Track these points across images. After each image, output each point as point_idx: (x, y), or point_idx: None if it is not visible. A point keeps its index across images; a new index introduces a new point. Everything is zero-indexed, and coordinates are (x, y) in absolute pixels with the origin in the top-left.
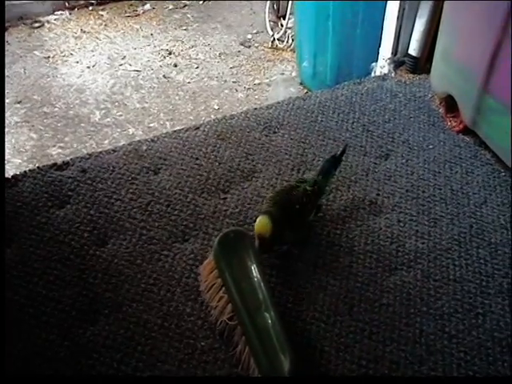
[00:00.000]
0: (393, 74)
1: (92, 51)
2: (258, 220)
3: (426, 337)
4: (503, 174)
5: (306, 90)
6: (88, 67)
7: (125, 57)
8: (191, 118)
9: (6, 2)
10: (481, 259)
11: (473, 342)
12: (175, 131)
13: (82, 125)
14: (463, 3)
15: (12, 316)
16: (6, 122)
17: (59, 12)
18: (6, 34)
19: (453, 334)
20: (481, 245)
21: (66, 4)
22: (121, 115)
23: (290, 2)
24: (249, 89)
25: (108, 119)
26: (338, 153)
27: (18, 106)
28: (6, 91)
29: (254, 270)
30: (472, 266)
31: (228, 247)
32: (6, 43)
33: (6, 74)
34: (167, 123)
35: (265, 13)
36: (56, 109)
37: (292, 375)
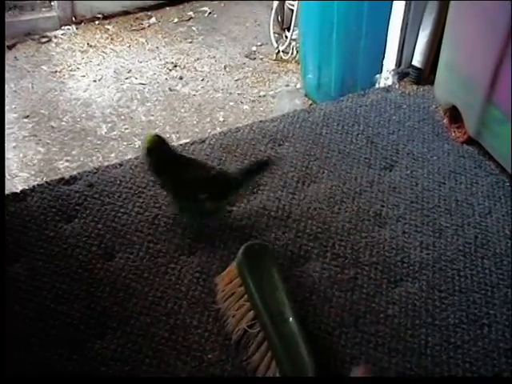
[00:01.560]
0: (397, 86)
1: (98, 65)
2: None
3: (432, 348)
4: (507, 184)
5: (310, 102)
6: (94, 81)
7: (131, 70)
8: (197, 130)
9: (14, 19)
10: (486, 270)
11: (478, 353)
12: (181, 144)
13: (89, 138)
14: (466, 15)
15: (21, 330)
16: (14, 136)
17: (66, 27)
18: (14, 49)
19: (458, 345)
20: (485, 255)
21: (73, 19)
22: (127, 128)
23: (295, 13)
24: (254, 101)
25: (114, 132)
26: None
27: (26, 120)
28: (13, 106)
29: (277, 281)
30: (477, 277)
31: (252, 258)
32: (14, 59)
33: (14, 88)
34: (173, 136)
35: (269, 25)
36: (63, 123)
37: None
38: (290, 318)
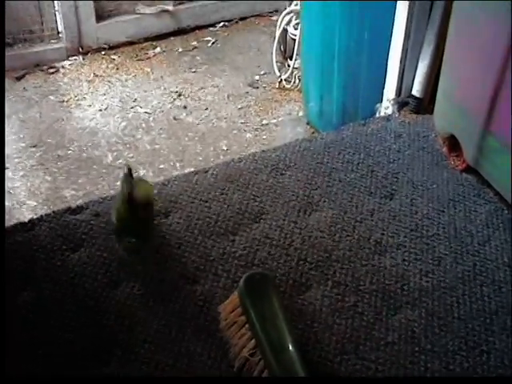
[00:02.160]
0: (397, 115)
1: (104, 94)
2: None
3: (431, 375)
4: (506, 212)
5: (312, 130)
6: (100, 110)
7: (136, 99)
8: (200, 158)
9: (24, 51)
10: (485, 297)
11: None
12: (185, 174)
13: (95, 167)
14: (462, 46)
15: (28, 358)
16: (22, 165)
17: (73, 57)
18: (23, 80)
19: (457, 372)
20: (484, 283)
21: (80, 49)
22: (132, 157)
23: (297, 43)
24: (257, 129)
25: (120, 161)
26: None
27: (34, 149)
28: (21, 135)
29: (278, 310)
30: (476, 304)
31: (253, 287)
32: (23, 89)
33: (22, 118)
34: (177, 164)
35: (272, 54)
36: (69, 151)
37: None
38: (290, 346)
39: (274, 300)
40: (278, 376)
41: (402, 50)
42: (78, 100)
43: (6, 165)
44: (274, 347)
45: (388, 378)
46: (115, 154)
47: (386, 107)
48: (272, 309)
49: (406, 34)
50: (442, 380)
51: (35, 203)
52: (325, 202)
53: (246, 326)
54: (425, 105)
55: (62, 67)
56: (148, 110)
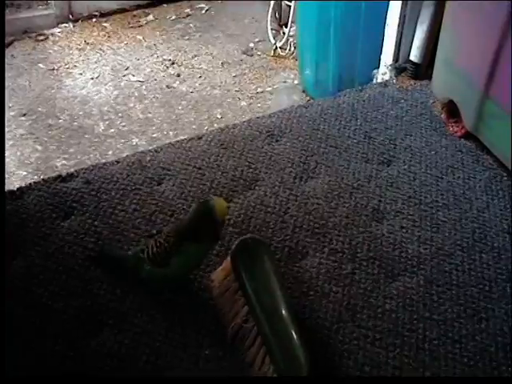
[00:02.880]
0: (394, 81)
1: (95, 63)
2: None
3: (430, 342)
4: (505, 178)
5: (308, 98)
6: (92, 78)
7: (128, 68)
8: (194, 127)
9: (11, 17)
10: (484, 264)
11: (476, 347)
12: (178, 141)
13: (86, 136)
14: (463, 9)
15: (17, 327)
16: (12, 134)
17: (63, 25)
18: (11, 47)
19: (456, 340)
20: (484, 250)
21: (70, 16)
22: (124, 126)
23: (292, 9)
24: (251, 97)
25: (112, 130)
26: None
27: (23, 118)
28: (10, 104)
29: (272, 275)
30: (475, 271)
31: (246, 252)
32: (11, 57)
33: (12, 87)
34: (170, 133)
35: (267, 21)
36: (60, 120)
37: (309, 375)
38: (284, 313)
39: (267, 264)
40: (272, 344)
41: (400, 14)
42: (68, 68)
43: None
44: (267, 312)
45: (388, 378)
46: (107, 122)
47: (384, 73)
48: (265, 273)
49: None
50: (442, 380)
51: (25, 173)
52: (321, 168)
53: (239, 292)
54: (423, 70)
55: (52, 35)
56: (140, 79)
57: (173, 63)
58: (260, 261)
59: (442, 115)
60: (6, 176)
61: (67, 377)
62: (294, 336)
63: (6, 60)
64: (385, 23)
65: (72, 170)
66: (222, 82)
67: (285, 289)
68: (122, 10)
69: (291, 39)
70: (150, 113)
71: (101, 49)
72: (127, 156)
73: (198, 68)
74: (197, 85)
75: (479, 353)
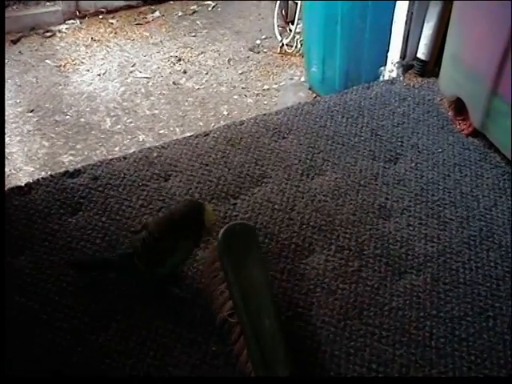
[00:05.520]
0: (401, 78)
1: (102, 59)
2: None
3: (436, 340)
4: None
5: (314, 95)
6: (98, 75)
7: (135, 64)
8: (201, 124)
9: (19, 13)
10: (491, 262)
11: (483, 345)
12: (185, 138)
13: (93, 132)
14: (471, 7)
15: (25, 322)
16: (19, 130)
17: (70, 21)
18: (18, 44)
19: (463, 338)
20: (491, 247)
21: (77, 13)
22: (131, 122)
23: (299, 7)
24: (258, 94)
25: (118, 126)
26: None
27: (31, 114)
28: (18, 100)
29: (258, 270)
30: (482, 269)
31: (232, 241)
32: (19, 53)
33: (19, 83)
34: (177, 129)
35: (273, 18)
36: (67, 117)
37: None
38: (266, 318)
39: (253, 256)
40: (253, 346)
41: (408, 11)
42: (75, 65)
43: None
44: (249, 313)
45: (388, 378)
46: (114, 119)
47: (391, 70)
48: (249, 268)
49: None
50: (442, 380)
51: (32, 169)
52: (328, 165)
53: (225, 284)
54: (430, 67)
55: (59, 31)
56: (147, 75)
57: (179, 60)
58: (246, 251)
59: (449, 113)
60: (14, 171)
61: (68, 377)
62: (275, 345)
63: (13, 56)
64: (392, 20)
65: (79, 165)
66: (228, 79)
67: (268, 282)
68: (129, 7)
69: (298, 36)
70: (156, 109)
71: (107, 45)
72: (134, 152)
73: (205, 65)
74: (203, 81)
75: (486, 351)
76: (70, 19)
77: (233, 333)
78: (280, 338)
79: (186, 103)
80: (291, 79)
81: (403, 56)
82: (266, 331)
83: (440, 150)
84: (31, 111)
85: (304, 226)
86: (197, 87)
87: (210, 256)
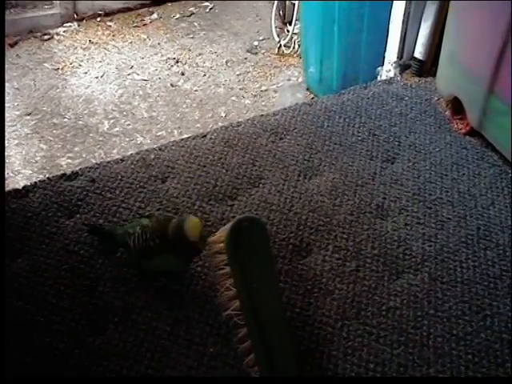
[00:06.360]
0: (399, 78)
1: (100, 61)
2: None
3: (434, 339)
4: (510, 175)
5: (312, 96)
6: (96, 77)
7: (132, 66)
8: (198, 125)
9: (16, 16)
10: (488, 261)
11: (481, 344)
12: (182, 139)
13: (91, 135)
14: (468, 6)
15: (22, 325)
16: (17, 133)
17: (68, 24)
18: (16, 47)
19: (461, 337)
20: (488, 246)
21: (75, 16)
22: (129, 124)
23: (296, 7)
24: (256, 95)
25: (116, 129)
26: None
27: (28, 117)
28: (15, 103)
29: (266, 271)
30: (480, 268)
31: (240, 238)
32: (16, 56)
33: (17, 86)
34: (175, 131)
35: (271, 19)
36: (65, 119)
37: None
38: (275, 324)
39: (260, 254)
40: (259, 350)
41: (404, 11)
42: (73, 67)
43: None
44: (256, 320)
45: (388, 378)
46: (112, 121)
47: (388, 70)
48: (258, 268)
49: None
50: (440, 379)
51: (30, 172)
52: (325, 166)
53: (231, 280)
54: (427, 67)
55: (57, 34)
56: (145, 77)
57: (177, 62)
58: (254, 249)
59: (447, 112)
60: (12, 175)
61: (68, 377)
62: (282, 352)
63: (11, 59)
64: (389, 20)
65: (77, 168)
66: (226, 81)
67: (276, 284)
68: (127, 9)
69: (295, 37)
70: (154, 111)
71: (105, 48)
72: (132, 154)
73: (203, 66)
74: (201, 83)
75: (484, 350)
76: (67, 22)
77: (239, 333)
78: (289, 344)
79: (184, 105)
80: (289, 80)
81: (400, 56)
82: (276, 341)
83: (437, 150)
84: (29, 114)
85: (301, 227)
86: (194, 89)
87: (214, 244)
